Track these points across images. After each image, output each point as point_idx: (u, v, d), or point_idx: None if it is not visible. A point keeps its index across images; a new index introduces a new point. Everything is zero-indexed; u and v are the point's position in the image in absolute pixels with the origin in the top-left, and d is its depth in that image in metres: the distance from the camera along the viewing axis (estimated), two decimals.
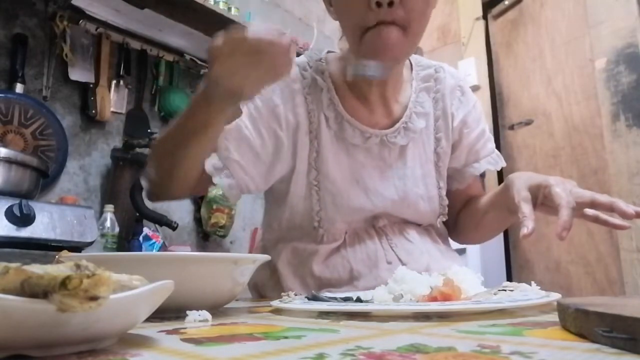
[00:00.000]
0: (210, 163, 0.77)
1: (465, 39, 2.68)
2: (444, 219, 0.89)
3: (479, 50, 2.63)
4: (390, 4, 0.70)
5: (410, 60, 0.91)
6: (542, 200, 0.68)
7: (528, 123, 2.44)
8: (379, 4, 0.70)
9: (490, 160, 0.91)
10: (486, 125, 0.94)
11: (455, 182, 0.92)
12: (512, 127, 2.51)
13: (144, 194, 0.83)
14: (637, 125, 1.90)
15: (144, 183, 0.81)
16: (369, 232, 0.82)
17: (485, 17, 2.68)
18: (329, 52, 0.90)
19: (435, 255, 0.83)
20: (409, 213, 0.84)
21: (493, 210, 0.84)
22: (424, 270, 0.78)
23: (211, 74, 0.64)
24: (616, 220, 0.64)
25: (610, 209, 0.62)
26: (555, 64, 2.33)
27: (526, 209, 0.65)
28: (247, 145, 0.78)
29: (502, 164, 0.92)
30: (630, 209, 0.60)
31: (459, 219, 0.93)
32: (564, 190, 0.64)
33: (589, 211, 0.66)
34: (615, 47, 1.99)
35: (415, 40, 0.78)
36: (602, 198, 0.63)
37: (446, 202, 0.88)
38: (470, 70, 2.60)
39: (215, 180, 0.77)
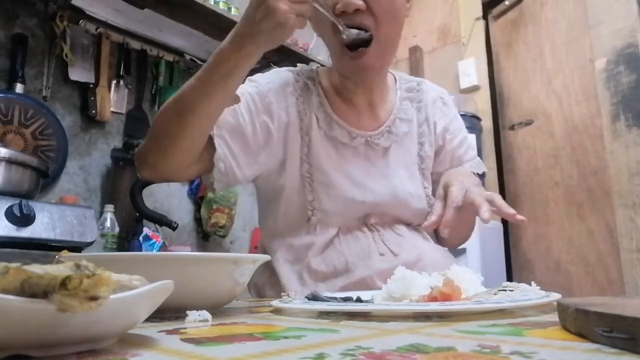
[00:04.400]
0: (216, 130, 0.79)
1: (465, 39, 2.68)
2: None
3: (479, 50, 2.63)
4: (357, 11, 0.75)
5: (394, 74, 0.99)
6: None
7: (528, 123, 2.44)
8: (344, 12, 0.75)
9: (473, 165, 0.96)
10: (467, 134, 1.01)
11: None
12: (512, 127, 2.51)
13: (139, 174, 0.82)
14: (637, 125, 1.90)
15: (138, 155, 0.80)
16: (362, 229, 0.86)
17: (485, 17, 2.68)
18: (318, 67, 0.97)
19: (425, 249, 0.86)
20: (400, 209, 0.87)
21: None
22: (415, 261, 0.81)
23: (267, 3, 0.66)
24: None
25: (478, 210, 0.66)
26: (555, 64, 2.33)
27: (437, 205, 0.71)
28: (239, 132, 0.82)
29: (484, 168, 0.98)
30: (486, 215, 0.63)
31: None
32: (459, 190, 0.69)
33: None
34: (615, 47, 1.99)
35: (389, 46, 0.84)
36: (477, 201, 0.66)
37: (433, 201, 0.91)
38: (470, 70, 2.59)
39: (215, 141, 0.78)
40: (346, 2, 0.74)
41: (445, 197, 0.71)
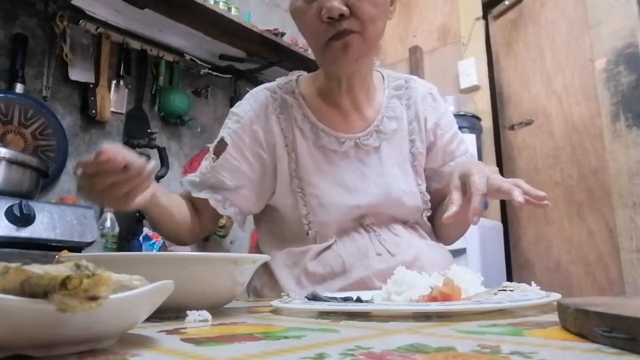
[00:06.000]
0: (213, 197, 0.86)
1: (465, 39, 2.67)
2: (428, 214, 0.93)
3: (479, 50, 2.63)
4: (341, 17, 0.76)
5: (381, 73, 0.98)
6: (468, 188, 0.71)
7: (528, 123, 2.44)
8: (330, 18, 0.76)
9: (465, 160, 0.95)
10: (457, 129, 1.00)
11: (434, 182, 0.96)
12: (512, 127, 2.51)
13: None
14: (637, 125, 1.90)
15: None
16: (358, 229, 0.85)
17: (485, 17, 2.68)
18: (299, 75, 0.97)
19: (422, 248, 0.86)
20: (395, 208, 0.87)
21: None
22: (413, 260, 0.81)
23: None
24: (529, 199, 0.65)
25: (508, 195, 0.65)
26: (555, 64, 2.33)
27: (455, 196, 0.70)
28: (239, 173, 0.87)
29: None
30: (520, 198, 0.63)
31: (435, 217, 0.96)
32: (481, 178, 0.68)
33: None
34: (615, 47, 1.99)
35: (373, 43, 0.83)
36: (505, 186, 0.66)
37: (428, 197, 0.92)
38: (470, 70, 2.59)
39: (220, 211, 0.87)
40: (329, 8, 0.75)
41: (462, 187, 0.71)
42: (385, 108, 0.92)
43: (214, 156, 0.88)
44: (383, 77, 0.98)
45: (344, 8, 0.75)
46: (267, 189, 0.89)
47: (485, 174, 0.70)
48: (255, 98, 0.92)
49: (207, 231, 0.94)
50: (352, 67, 0.84)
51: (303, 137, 0.87)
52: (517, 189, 0.64)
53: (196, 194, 0.87)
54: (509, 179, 0.68)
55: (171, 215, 0.84)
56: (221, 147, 0.88)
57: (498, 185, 0.67)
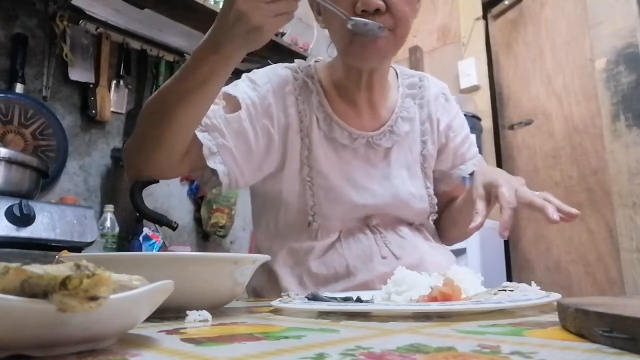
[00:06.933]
0: (208, 145, 0.75)
1: (465, 39, 2.68)
2: (435, 217, 0.92)
3: (479, 50, 2.63)
4: (376, 12, 0.74)
5: (395, 69, 0.96)
6: (493, 198, 0.71)
7: (528, 123, 2.44)
8: (364, 12, 0.73)
9: (475, 163, 0.95)
10: (469, 130, 0.99)
11: (442, 184, 0.96)
12: (512, 127, 2.51)
13: (125, 174, 0.81)
14: (637, 125, 1.90)
15: (125, 155, 0.78)
16: (363, 230, 0.84)
17: (485, 17, 2.68)
18: (316, 61, 0.93)
19: (427, 251, 0.85)
20: (402, 210, 0.86)
21: (467, 207, 0.86)
22: (417, 263, 0.80)
23: (236, 7, 0.61)
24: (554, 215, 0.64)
25: (541, 212, 0.64)
26: (555, 64, 2.33)
27: (480, 205, 0.70)
28: (243, 138, 0.79)
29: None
30: (555, 215, 0.62)
31: (441, 218, 0.96)
32: (509, 190, 0.68)
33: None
34: (615, 47, 1.99)
35: (401, 41, 0.81)
36: (538, 202, 0.65)
37: (435, 200, 0.91)
38: (470, 70, 2.59)
39: (209, 162, 0.75)
40: (366, 1, 0.73)
41: (486, 197, 0.70)
42: (400, 108, 0.90)
43: (224, 103, 0.80)
44: (397, 73, 0.96)
45: (381, 3, 0.74)
46: (264, 169, 0.83)
47: (513, 185, 0.69)
48: (275, 72, 0.87)
49: (179, 174, 0.82)
50: (376, 63, 0.83)
51: (318, 125, 0.84)
52: (550, 206, 0.63)
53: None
54: (537, 193, 0.67)
55: (204, 108, 0.72)
56: (233, 102, 0.80)
57: (529, 200, 0.66)
